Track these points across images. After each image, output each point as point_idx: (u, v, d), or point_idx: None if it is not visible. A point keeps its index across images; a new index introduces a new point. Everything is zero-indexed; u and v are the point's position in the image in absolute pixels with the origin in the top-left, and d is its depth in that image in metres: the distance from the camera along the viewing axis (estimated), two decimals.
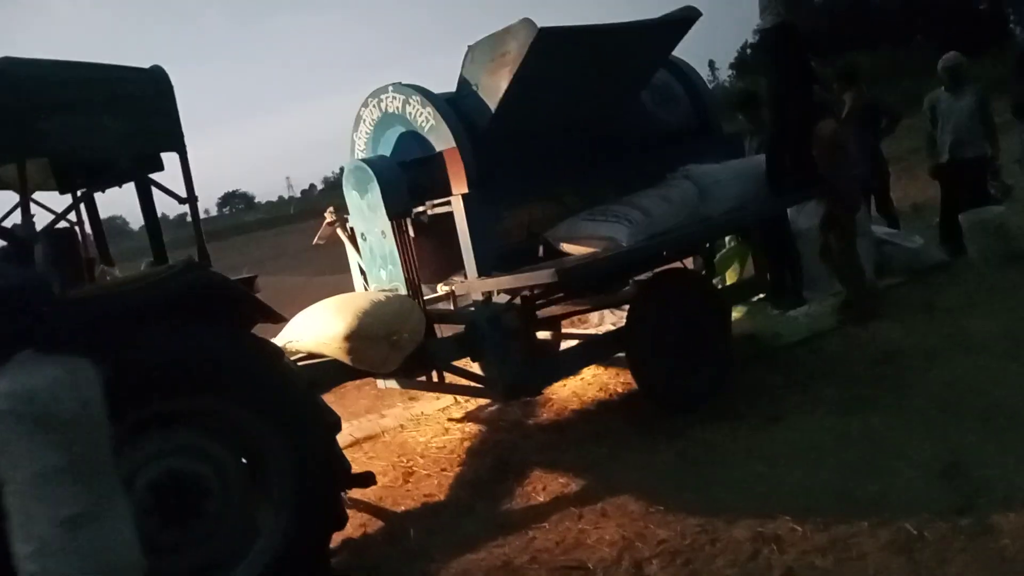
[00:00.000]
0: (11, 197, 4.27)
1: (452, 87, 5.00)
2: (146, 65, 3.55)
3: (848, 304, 6.24)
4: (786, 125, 5.51)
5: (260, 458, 3.45)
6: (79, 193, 4.02)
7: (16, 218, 3.66)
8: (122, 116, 3.37)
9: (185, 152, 3.58)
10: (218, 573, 3.32)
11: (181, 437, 3.34)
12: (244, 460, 3.51)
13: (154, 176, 3.79)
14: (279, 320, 3.68)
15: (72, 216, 4.35)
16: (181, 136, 3.53)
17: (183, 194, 3.65)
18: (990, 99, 7.65)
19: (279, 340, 4.60)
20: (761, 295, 6.35)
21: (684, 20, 5.01)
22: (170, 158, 3.68)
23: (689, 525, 3.66)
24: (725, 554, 3.39)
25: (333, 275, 8.32)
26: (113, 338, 3.09)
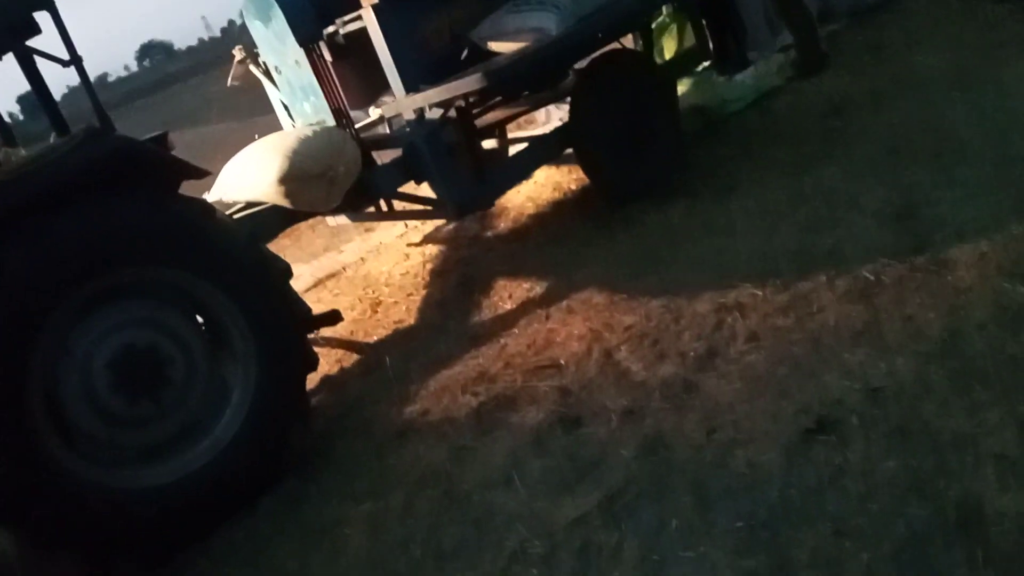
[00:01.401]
0: None
1: None
2: None
3: (799, 60, 6.06)
4: None
5: (216, 318, 3.39)
6: None
7: None
8: None
9: (55, 7, 3.23)
10: (200, 434, 3.35)
11: (130, 310, 3.26)
12: (200, 321, 3.45)
13: (38, 42, 3.45)
14: (201, 175, 3.49)
15: None
16: None
17: (65, 57, 3.32)
18: None
19: (213, 194, 4.42)
20: (705, 64, 6.12)
21: None
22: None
23: (653, 307, 3.71)
24: (690, 329, 3.46)
25: (260, 116, 7.94)
26: (34, 222, 2.92)
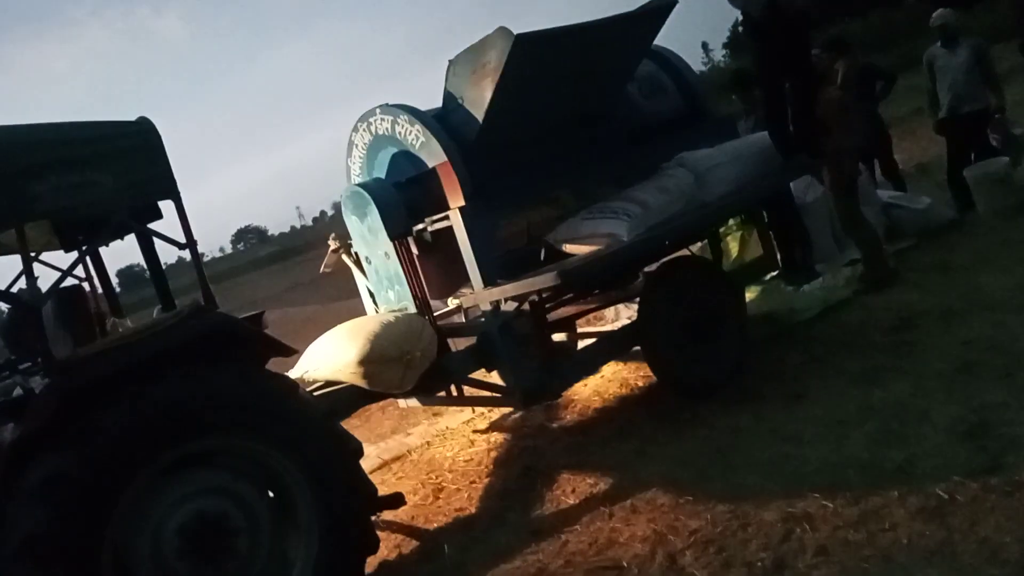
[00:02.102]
0: (15, 261, 4.35)
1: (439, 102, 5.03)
2: (152, 115, 3.61)
3: (866, 275, 6.21)
4: (781, 102, 5.47)
5: (286, 491, 3.48)
6: (82, 250, 4.08)
7: (22, 283, 3.73)
8: (113, 170, 3.41)
9: (179, 198, 3.63)
10: None
11: (205, 479, 3.39)
12: (271, 494, 3.53)
13: (154, 224, 3.84)
14: (288, 353, 3.71)
15: (81, 272, 4.43)
16: (174, 183, 3.57)
17: (182, 240, 3.68)
18: (988, 49, 7.58)
19: (296, 371, 4.64)
20: (773, 273, 6.31)
21: (660, 9, 5.01)
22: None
23: (719, 512, 3.65)
24: (757, 538, 3.38)
25: (346, 300, 8.37)
26: (127, 390, 3.13)
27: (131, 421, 3.14)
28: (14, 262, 4.32)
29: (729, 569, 3.24)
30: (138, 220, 3.70)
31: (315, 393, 4.40)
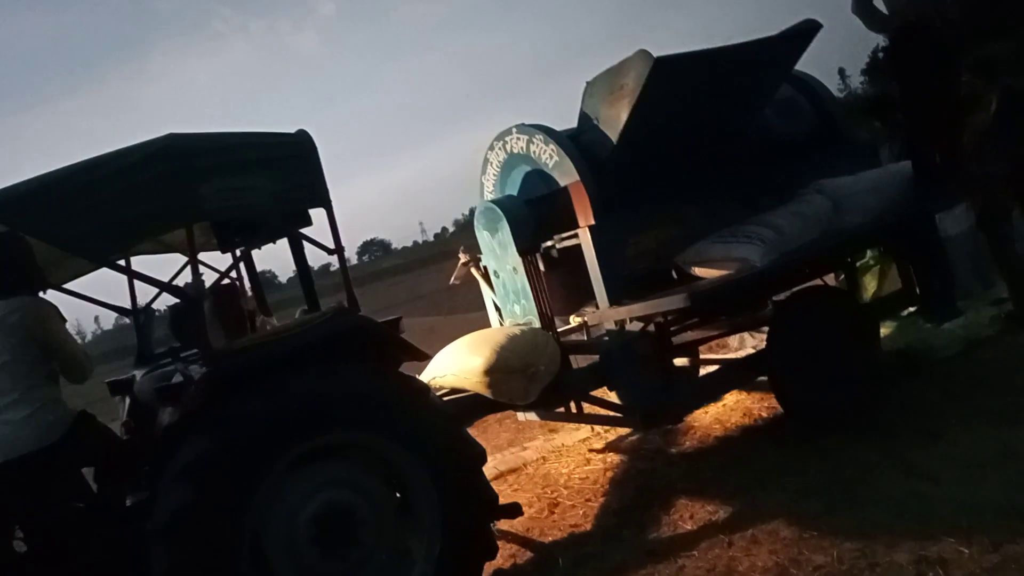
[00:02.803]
0: (174, 259, 4.71)
1: (572, 123, 5.12)
2: (287, 126, 3.87)
3: (1015, 312, 5.87)
4: (926, 128, 5.27)
5: (411, 490, 3.61)
6: (239, 251, 4.38)
7: (185, 277, 4.06)
8: (274, 178, 3.66)
9: (331, 206, 3.85)
10: None
11: (337, 471, 3.56)
12: (397, 492, 3.67)
13: (303, 231, 4.08)
14: (423, 358, 3.87)
15: (231, 273, 4.75)
16: (326, 192, 3.80)
17: (331, 246, 3.90)
18: None
19: (424, 376, 4.81)
20: (911, 308, 6.05)
21: (803, 33, 4.93)
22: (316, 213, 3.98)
23: (846, 549, 3.54)
24: None
25: (465, 313, 8.58)
26: (276, 380, 3.35)
27: (273, 411, 3.34)
28: (169, 261, 4.71)
29: None
30: (292, 225, 3.95)
31: (444, 398, 4.54)
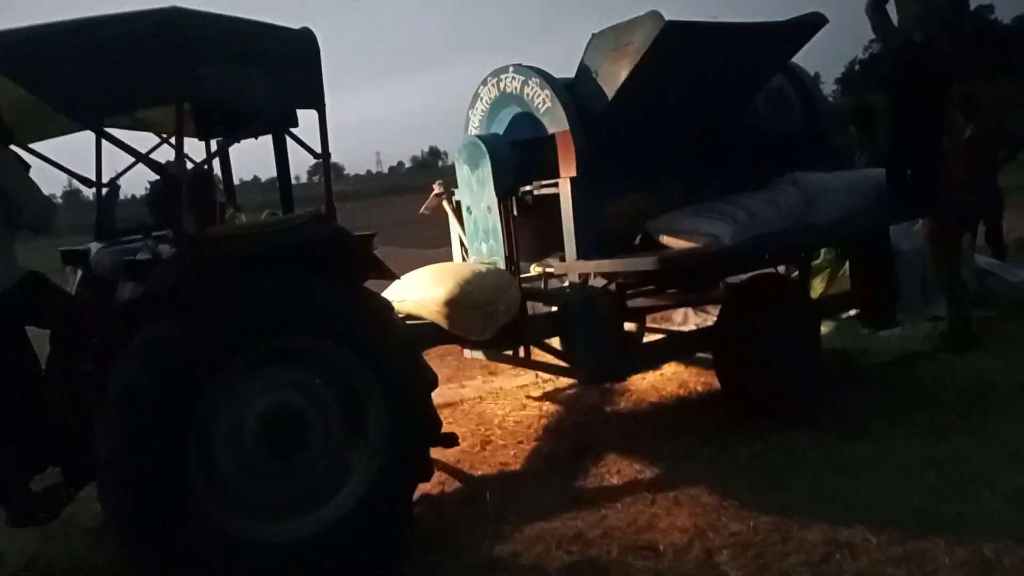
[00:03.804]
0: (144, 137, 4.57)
1: (571, 74, 5.11)
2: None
3: (947, 334, 6.15)
4: (910, 144, 5.40)
5: (362, 405, 3.65)
6: (217, 141, 4.29)
7: (159, 157, 3.96)
8: (273, 71, 3.58)
9: (323, 110, 3.78)
10: (311, 505, 3.54)
11: (292, 375, 3.57)
12: (345, 404, 3.71)
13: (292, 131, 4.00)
14: (392, 277, 3.88)
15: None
16: (322, 96, 3.73)
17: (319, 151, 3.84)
18: None
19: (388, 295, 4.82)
20: (852, 312, 6.29)
21: (811, 25, 4.99)
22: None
23: (762, 522, 3.73)
24: (797, 553, 3.45)
25: (423, 249, 8.56)
26: (247, 276, 3.33)
27: (238, 306, 3.32)
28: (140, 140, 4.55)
29: (764, 574, 3.32)
30: (279, 123, 3.88)
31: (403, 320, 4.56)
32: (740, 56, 4.90)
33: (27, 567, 4.00)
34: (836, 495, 3.93)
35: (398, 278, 4.03)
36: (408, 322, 4.63)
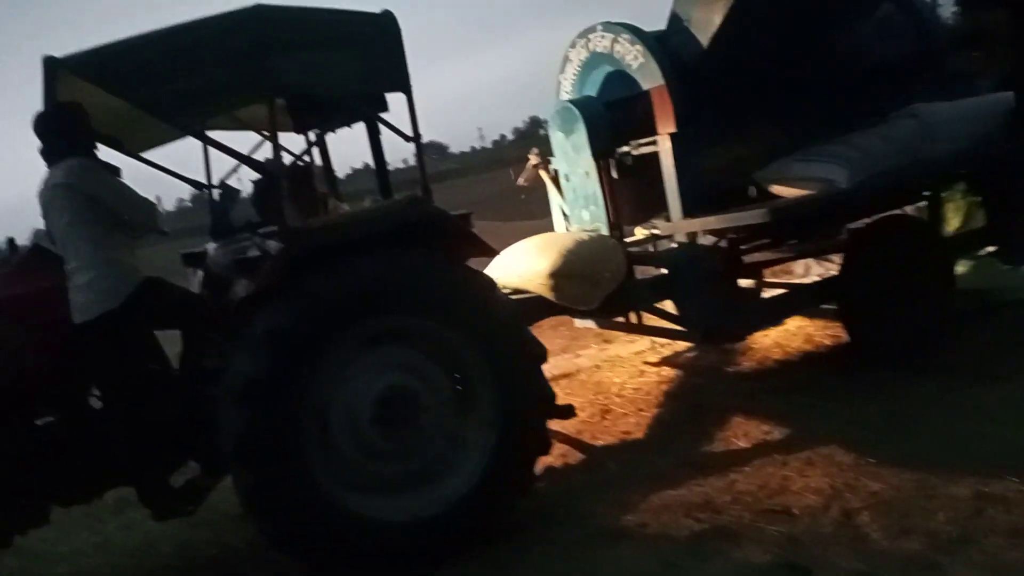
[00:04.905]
0: (248, 138, 4.71)
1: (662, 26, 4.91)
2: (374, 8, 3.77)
3: None
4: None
5: (473, 381, 3.65)
6: (314, 133, 4.36)
7: (262, 155, 4.06)
8: (355, 58, 3.61)
9: (410, 92, 3.77)
10: (433, 481, 3.58)
11: (402, 355, 3.61)
12: (459, 382, 3.72)
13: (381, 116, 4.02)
14: (492, 254, 3.87)
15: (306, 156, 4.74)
16: (407, 77, 3.72)
17: (409, 133, 3.84)
18: None
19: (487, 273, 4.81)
20: (990, 248, 5.83)
21: None
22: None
23: (904, 479, 3.51)
24: (945, 510, 3.23)
25: (525, 221, 8.51)
26: (349, 261, 3.37)
27: (345, 290, 3.38)
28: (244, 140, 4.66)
29: (908, 535, 3.13)
30: (369, 108, 3.90)
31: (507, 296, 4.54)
32: None
33: (178, 555, 4.24)
34: (978, 443, 3.67)
35: (498, 254, 4.00)
36: (513, 296, 4.59)
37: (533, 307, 4.60)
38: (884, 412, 4.21)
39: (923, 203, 5.52)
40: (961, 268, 5.86)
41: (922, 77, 5.33)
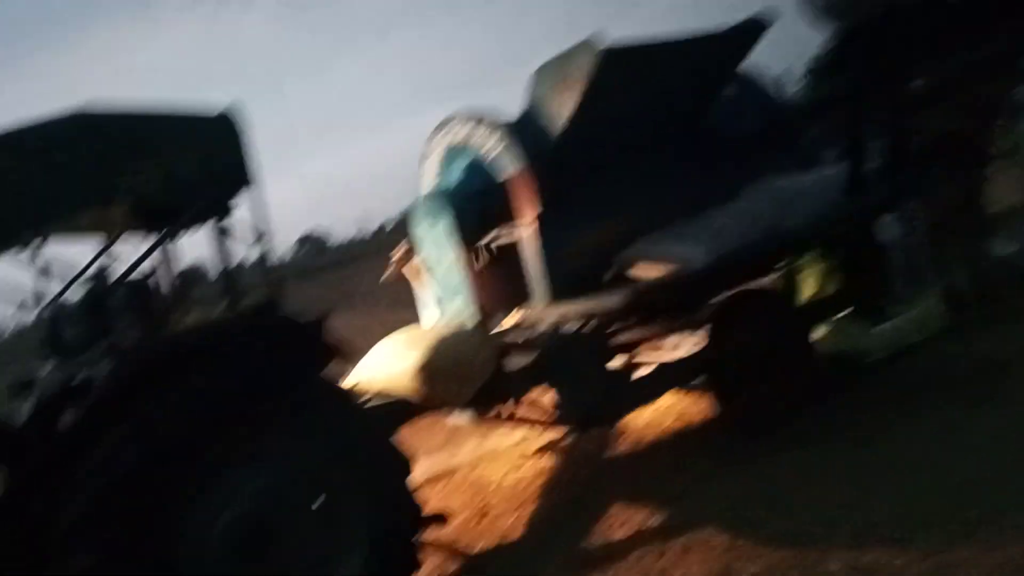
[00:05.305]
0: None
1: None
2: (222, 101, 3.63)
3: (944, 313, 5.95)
4: (862, 131, 5.23)
5: (333, 498, 3.41)
6: (157, 238, 4.10)
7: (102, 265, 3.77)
8: (197, 158, 3.44)
9: (258, 190, 3.62)
10: None
11: (256, 478, 3.34)
12: (321, 501, 3.47)
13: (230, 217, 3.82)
14: (351, 358, 3.67)
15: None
16: (254, 175, 3.57)
17: (256, 233, 3.67)
18: None
19: (351, 379, 4.59)
20: (847, 311, 6.07)
21: (754, 29, 4.87)
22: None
23: (778, 559, 3.48)
24: None
25: (402, 311, 8.36)
26: (188, 379, 3.12)
27: (184, 412, 3.13)
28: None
29: None
30: (215, 210, 3.70)
31: (369, 403, 4.32)
32: (685, 70, 4.77)
33: None
34: (851, 513, 3.67)
35: (358, 357, 3.82)
36: (377, 401, 4.38)
37: (397, 411, 4.39)
38: (758, 487, 4.20)
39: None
40: (822, 332, 6.07)
41: (771, 152, 5.57)
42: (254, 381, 3.28)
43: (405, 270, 5.37)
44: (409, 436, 6.24)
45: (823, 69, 6.47)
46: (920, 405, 4.69)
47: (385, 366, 4.46)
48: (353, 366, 4.45)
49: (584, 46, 4.38)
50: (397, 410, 4.33)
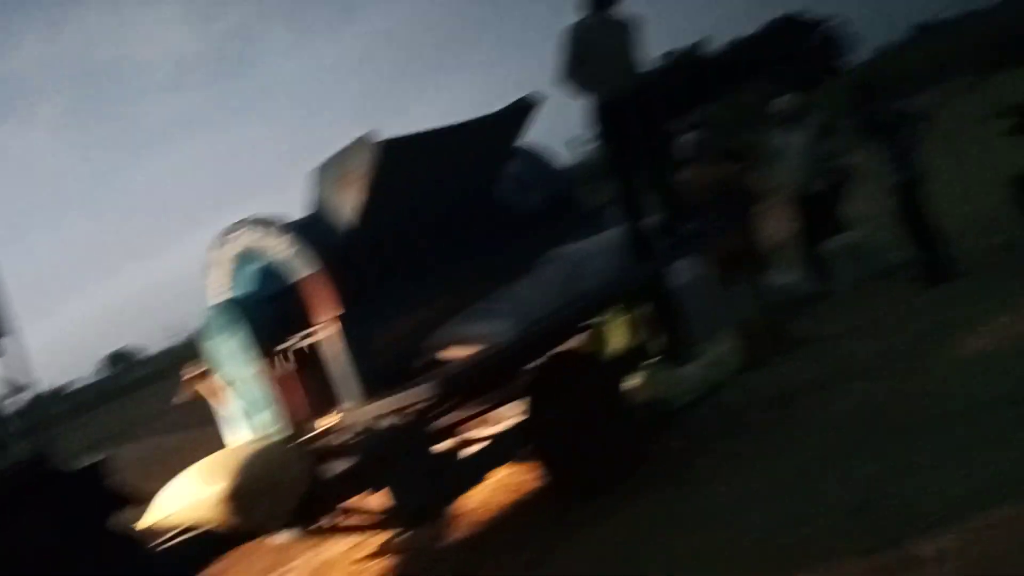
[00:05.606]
0: None
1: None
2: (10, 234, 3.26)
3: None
4: (629, 195, 5.49)
5: None
6: None
7: None
8: None
9: (15, 336, 3.26)
10: None
11: None
12: None
13: None
14: (134, 503, 3.31)
15: None
16: (10, 320, 3.21)
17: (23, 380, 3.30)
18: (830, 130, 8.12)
19: (153, 515, 4.17)
20: (655, 359, 6.30)
21: (524, 108, 5.06)
22: None
23: None
24: None
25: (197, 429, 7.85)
26: None
27: None
28: None
29: None
30: None
31: (172, 541, 3.93)
32: (463, 154, 4.87)
33: None
34: (690, 559, 3.72)
35: (139, 502, 3.46)
36: (183, 537, 4.00)
37: (208, 545, 4.01)
38: (600, 546, 4.19)
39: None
40: (634, 382, 6.26)
41: (559, 220, 5.76)
42: (27, 545, 2.88)
43: (200, 388, 5.01)
44: (229, 566, 5.82)
45: (590, 140, 6.83)
46: (728, 442, 4.95)
47: (188, 497, 4.07)
48: (151, 502, 4.05)
49: (360, 142, 4.38)
50: (203, 546, 3.95)
